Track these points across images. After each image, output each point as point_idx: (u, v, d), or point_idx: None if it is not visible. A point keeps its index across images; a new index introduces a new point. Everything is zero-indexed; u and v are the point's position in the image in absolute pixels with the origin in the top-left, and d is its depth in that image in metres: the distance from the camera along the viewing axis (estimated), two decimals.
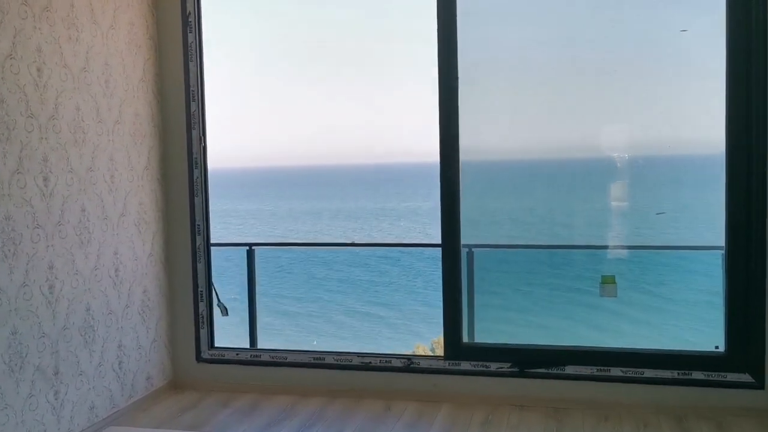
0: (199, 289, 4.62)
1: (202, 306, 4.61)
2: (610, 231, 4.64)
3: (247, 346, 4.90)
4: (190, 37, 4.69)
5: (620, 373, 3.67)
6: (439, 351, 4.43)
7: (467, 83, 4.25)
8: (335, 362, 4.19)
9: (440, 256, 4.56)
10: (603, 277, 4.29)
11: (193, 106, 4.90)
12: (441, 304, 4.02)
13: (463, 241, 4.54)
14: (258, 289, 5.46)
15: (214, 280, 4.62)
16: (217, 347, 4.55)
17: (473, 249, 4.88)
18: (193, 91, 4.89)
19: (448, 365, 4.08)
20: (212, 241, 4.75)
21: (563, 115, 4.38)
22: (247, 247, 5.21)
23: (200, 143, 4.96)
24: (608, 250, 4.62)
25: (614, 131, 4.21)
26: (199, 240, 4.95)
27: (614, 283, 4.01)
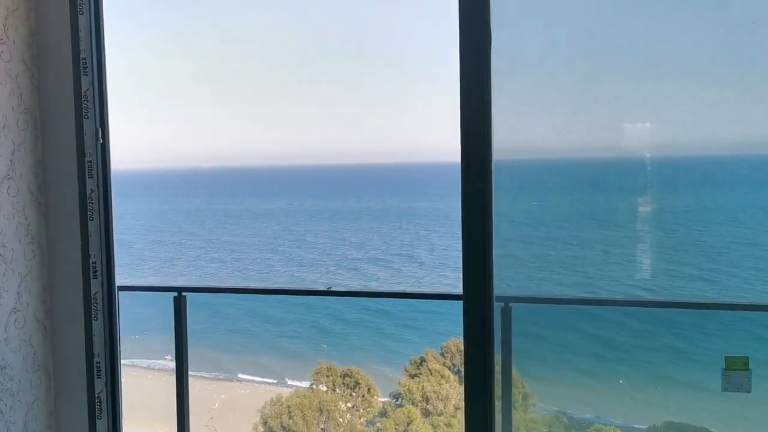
0: (96, 361, 3.25)
1: (99, 384, 3.23)
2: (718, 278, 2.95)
3: None
4: None
5: None
6: None
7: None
8: None
9: (452, 310, 2.90)
10: (728, 359, 2.52)
11: (86, 83, 3.14)
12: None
13: (496, 292, 2.83)
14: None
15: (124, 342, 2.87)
16: None
17: (510, 304, 3.12)
18: (85, 59, 3.14)
19: None
20: (119, 283, 2.83)
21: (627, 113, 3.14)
22: (174, 293, 3.44)
23: (97, 139, 3.21)
24: (726, 311, 2.82)
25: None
26: (95, 285, 3.21)
27: (747, 369, 2.50)
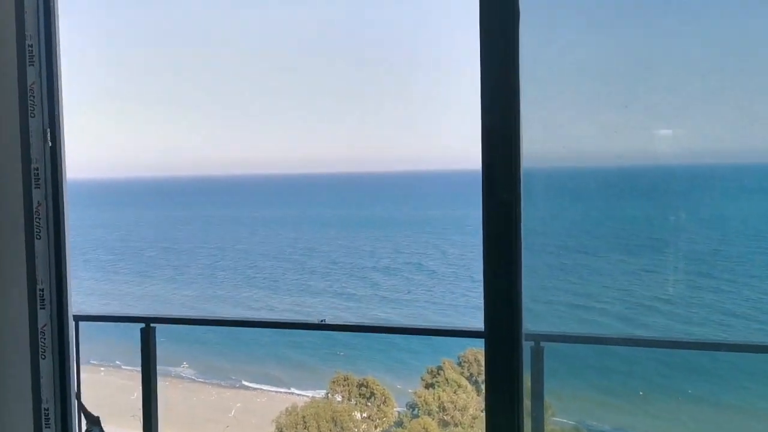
0: (44, 407, 2.64)
1: None
2: None
3: None
4: None
5: None
6: None
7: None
8: None
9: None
10: None
11: (32, 75, 2.61)
12: None
13: (526, 328, 2.30)
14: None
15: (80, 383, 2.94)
16: None
17: (542, 343, 2.54)
18: (31, 47, 2.61)
19: None
20: (75, 312, 2.21)
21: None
22: (142, 324, 2.86)
23: (45, 142, 2.67)
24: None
25: None
26: (43, 317, 2.67)
27: None
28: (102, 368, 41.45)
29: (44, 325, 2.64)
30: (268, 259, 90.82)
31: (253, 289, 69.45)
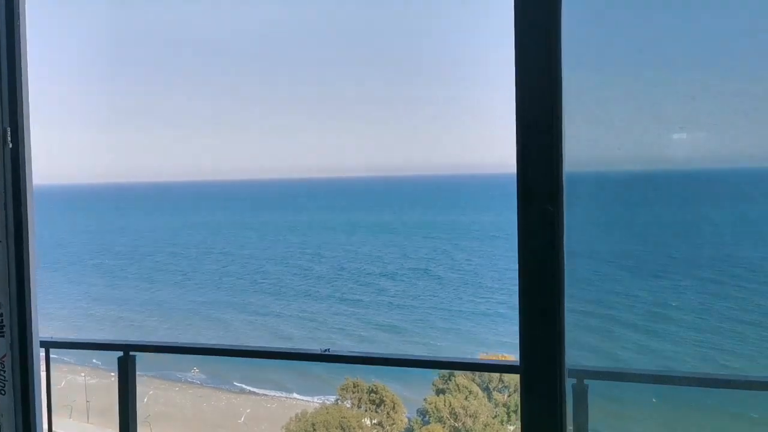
0: None
1: None
2: None
3: None
4: None
5: None
6: None
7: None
8: None
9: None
10: None
11: None
12: None
13: (568, 363, 1.90)
14: None
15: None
16: None
17: (586, 381, 2.14)
18: None
19: None
20: (44, 337, 1.73)
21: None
22: (120, 352, 2.45)
23: (5, 144, 2.29)
24: None
25: None
26: (2, 345, 2.28)
27: None
28: (112, 373, 41.24)
29: (4, 356, 2.25)
30: (274, 264, 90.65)
31: (259, 294, 69.19)
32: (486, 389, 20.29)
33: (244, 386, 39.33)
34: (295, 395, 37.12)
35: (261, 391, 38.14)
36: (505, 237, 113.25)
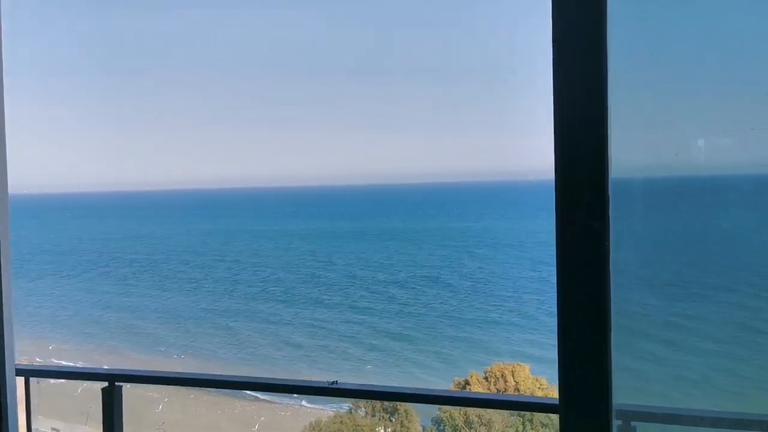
0: None
1: None
2: None
3: None
4: None
5: None
6: None
7: None
8: None
9: None
10: None
11: None
12: None
13: (615, 402, 1.62)
14: None
15: None
16: None
17: (633, 423, 1.84)
18: None
19: None
20: (22, 365, 1.42)
21: None
22: (105, 382, 2.16)
23: None
24: None
25: None
26: None
27: None
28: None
29: None
30: (285, 272, 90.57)
31: (270, 302, 69.07)
32: None
33: (258, 394, 39.16)
34: (306, 404, 36.91)
35: (275, 399, 37.93)
36: (518, 245, 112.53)
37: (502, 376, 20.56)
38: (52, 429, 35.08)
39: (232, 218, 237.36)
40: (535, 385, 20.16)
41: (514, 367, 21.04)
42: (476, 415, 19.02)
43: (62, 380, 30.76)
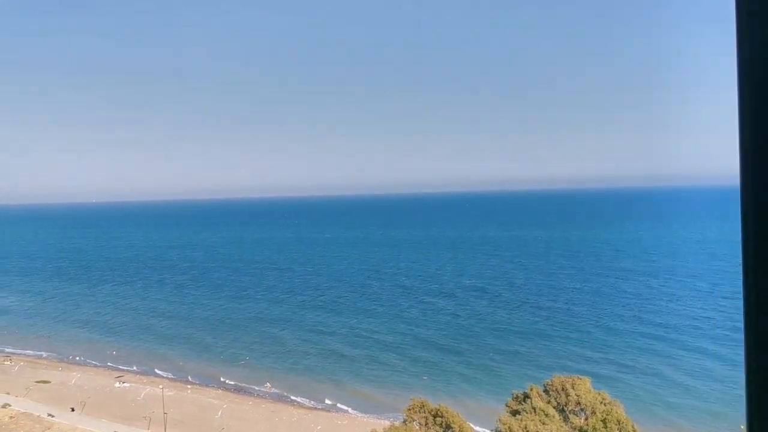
0: None
1: None
2: None
3: None
4: None
5: None
6: None
7: None
8: None
9: None
10: None
11: None
12: None
13: None
14: None
15: None
16: None
17: None
18: None
19: None
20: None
21: None
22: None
23: None
24: None
25: None
26: None
27: None
28: (189, 386, 42.68)
29: None
30: (334, 281, 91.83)
31: (317, 310, 70.19)
32: (562, 411, 19.84)
33: (316, 403, 39.79)
34: (363, 413, 37.32)
35: (332, 408, 38.50)
36: (569, 254, 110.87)
37: (563, 389, 20.47)
38: None
39: (284, 227, 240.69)
40: (597, 399, 19.99)
41: (574, 380, 20.84)
42: (536, 431, 19.03)
43: (126, 384, 31.86)
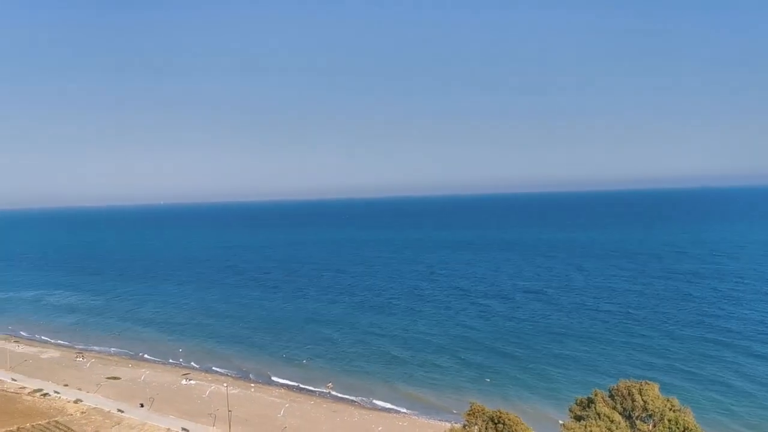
0: None
1: None
2: None
3: None
4: None
5: None
6: None
7: None
8: None
9: None
10: None
11: None
12: None
13: None
14: None
15: None
16: None
17: None
18: None
19: None
20: None
21: None
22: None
23: None
24: None
25: None
26: None
27: None
28: (252, 385, 43.67)
29: None
30: (388, 282, 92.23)
31: (369, 311, 70.78)
32: (628, 417, 19.54)
33: (378, 403, 40.09)
34: (425, 415, 37.38)
35: (394, 409, 38.72)
36: (629, 256, 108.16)
37: (629, 394, 20.12)
38: (182, 429, 37.57)
39: (338, 228, 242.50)
40: (666, 406, 19.56)
41: (641, 385, 20.43)
42: None
43: (192, 381, 32.72)
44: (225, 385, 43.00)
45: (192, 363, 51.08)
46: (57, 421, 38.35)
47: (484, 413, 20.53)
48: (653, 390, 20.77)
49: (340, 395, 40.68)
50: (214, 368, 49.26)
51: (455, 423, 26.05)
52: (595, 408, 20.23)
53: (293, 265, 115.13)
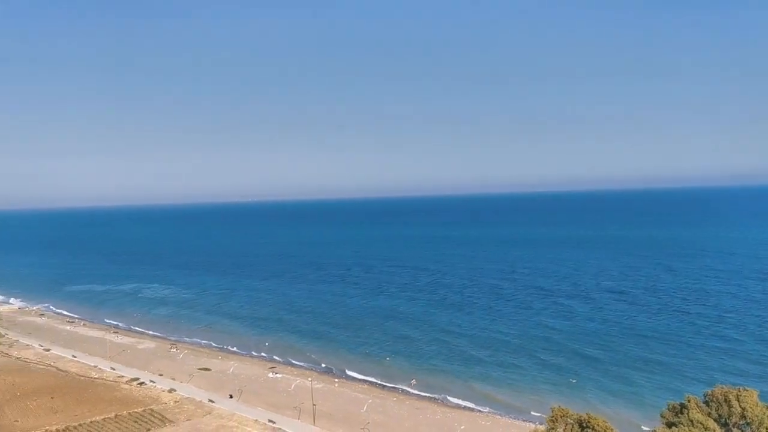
0: None
1: None
2: None
3: None
4: None
5: None
6: None
7: None
8: None
9: None
10: None
11: None
12: None
13: None
14: None
15: None
16: None
17: None
18: None
19: None
20: None
21: None
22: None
23: None
24: None
25: None
26: None
27: None
28: (336, 380, 44.58)
29: None
30: (466, 280, 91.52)
31: (447, 310, 70.72)
32: (724, 424, 18.76)
33: (459, 401, 40.13)
34: (506, 414, 37.03)
35: (476, 407, 38.64)
36: (722, 255, 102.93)
37: (726, 400, 19.33)
38: (269, 421, 38.70)
39: (411, 225, 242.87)
40: (766, 414, 18.68)
41: (739, 391, 19.57)
42: None
43: (278, 375, 33.72)
44: (310, 379, 44.18)
45: (275, 357, 52.78)
46: (152, 410, 40.41)
47: (569, 416, 20.14)
48: (752, 397, 19.79)
49: (420, 393, 40.97)
50: (296, 362, 50.75)
51: (539, 425, 25.68)
52: (688, 414, 19.52)
53: (372, 261, 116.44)
